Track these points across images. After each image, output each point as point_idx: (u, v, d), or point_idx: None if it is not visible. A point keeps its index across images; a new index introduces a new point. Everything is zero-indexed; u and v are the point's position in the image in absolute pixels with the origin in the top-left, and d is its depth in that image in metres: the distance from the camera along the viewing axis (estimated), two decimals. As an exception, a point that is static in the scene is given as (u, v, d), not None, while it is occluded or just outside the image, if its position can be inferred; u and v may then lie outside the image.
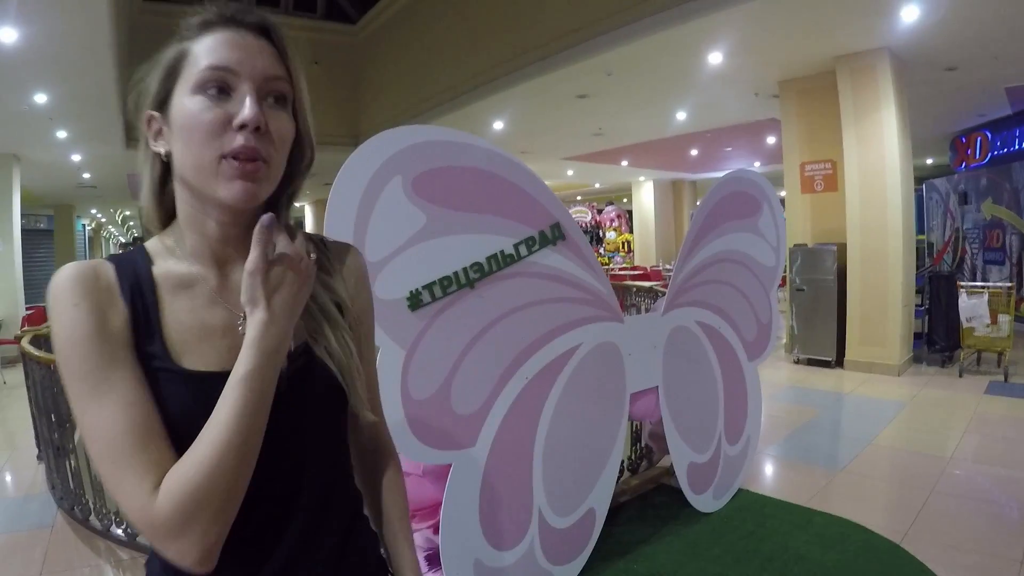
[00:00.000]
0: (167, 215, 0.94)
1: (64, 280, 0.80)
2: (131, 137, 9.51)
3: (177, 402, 0.82)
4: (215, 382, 0.81)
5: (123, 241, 31.03)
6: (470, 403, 2.41)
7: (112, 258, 0.88)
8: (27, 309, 10.86)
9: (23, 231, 11.10)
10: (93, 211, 22.31)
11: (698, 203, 17.92)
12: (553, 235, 2.60)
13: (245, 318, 0.84)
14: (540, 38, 7.74)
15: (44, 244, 18.80)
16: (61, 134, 9.18)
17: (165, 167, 0.89)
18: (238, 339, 0.85)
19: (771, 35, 6.57)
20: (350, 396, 0.95)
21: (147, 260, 0.89)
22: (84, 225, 23.79)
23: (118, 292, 0.84)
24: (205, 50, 0.84)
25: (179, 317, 0.87)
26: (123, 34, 7.17)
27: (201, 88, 0.82)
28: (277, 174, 0.88)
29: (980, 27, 6.22)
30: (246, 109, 0.81)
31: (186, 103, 0.83)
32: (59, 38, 5.81)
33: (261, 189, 0.85)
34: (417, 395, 2.26)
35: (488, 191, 2.46)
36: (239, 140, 0.81)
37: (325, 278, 0.97)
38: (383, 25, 12.12)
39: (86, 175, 13.08)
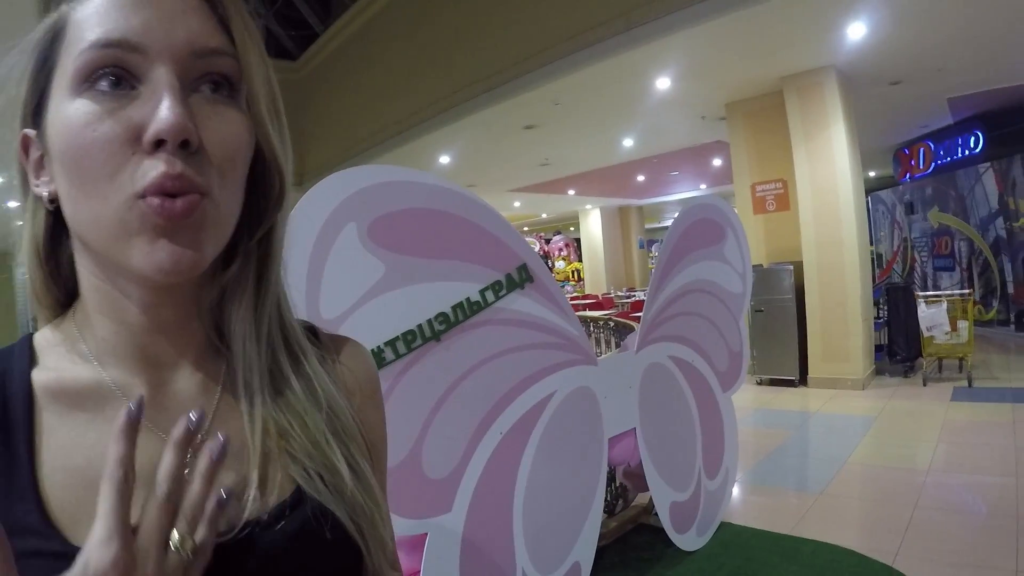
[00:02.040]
0: (65, 290, 0.61)
1: None
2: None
3: None
4: None
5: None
6: (443, 466, 2.23)
7: None
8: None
9: (-45, 286, 10.60)
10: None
11: (645, 227, 18.16)
12: (521, 278, 2.45)
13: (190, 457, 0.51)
14: (486, 69, 7.66)
15: (-22, 295, 18.08)
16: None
17: (56, 216, 0.57)
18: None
19: (718, 58, 6.60)
20: (369, 559, 0.61)
21: (28, 362, 0.57)
22: (24, 274, 22.97)
23: None
24: (90, 16, 0.51)
25: (72, 458, 0.53)
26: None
27: (86, 82, 0.50)
28: (228, 212, 0.55)
29: (924, 41, 6.34)
30: (163, 110, 0.49)
31: (66, 111, 0.51)
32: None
33: (203, 245, 0.52)
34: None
35: (450, 234, 2.30)
36: (157, 167, 0.49)
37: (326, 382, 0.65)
38: (325, 61, 11.96)
39: (20, 223, 12.60)
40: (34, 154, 0.55)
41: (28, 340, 0.59)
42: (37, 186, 0.56)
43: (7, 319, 18.01)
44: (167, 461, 0.45)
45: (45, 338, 0.59)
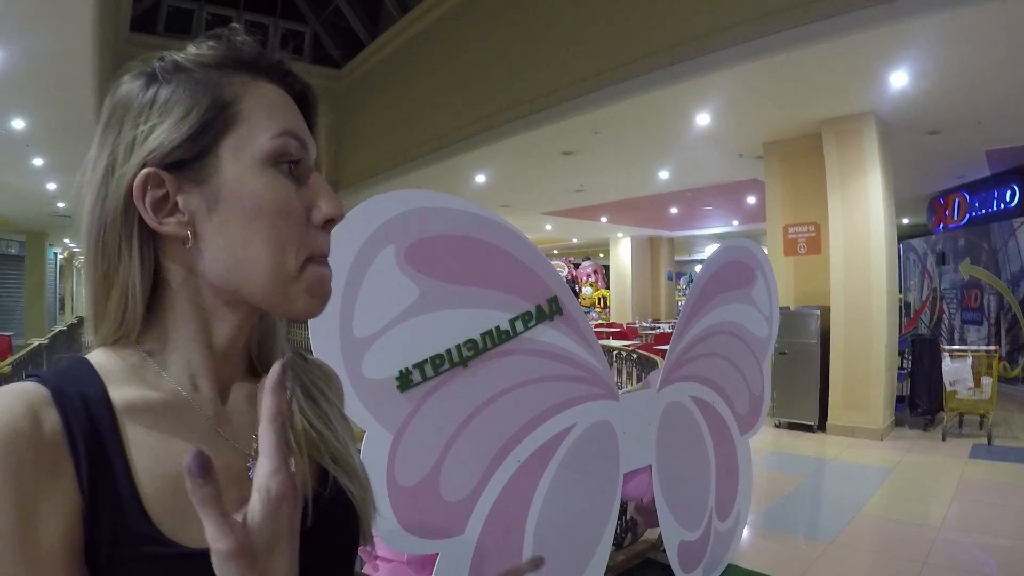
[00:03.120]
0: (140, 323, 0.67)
1: None
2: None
3: None
4: None
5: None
6: (460, 489, 2.27)
7: (49, 384, 0.58)
8: (-9, 337, 10.58)
9: (-6, 255, 10.86)
10: (66, 240, 21.92)
11: (675, 259, 18.13)
12: (551, 310, 2.49)
13: (254, 457, 0.64)
14: (529, 93, 7.74)
15: (14, 270, 18.44)
16: (37, 161, 9.03)
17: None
18: (247, 490, 0.56)
19: (759, 98, 6.63)
20: (367, 522, 0.75)
21: (100, 384, 0.61)
22: (56, 254, 23.39)
23: (66, 452, 0.55)
24: (263, 107, 0.63)
25: (165, 466, 0.59)
26: (106, 63, 7.10)
27: (276, 160, 0.63)
28: None
29: (965, 93, 6.32)
30: (331, 200, 0.65)
31: (255, 178, 0.62)
32: (40, 63, 5.72)
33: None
34: (404, 482, 2.11)
35: (484, 262, 2.35)
36: (327, 241, 0.66)
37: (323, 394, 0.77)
38: (369, 72, 12.13)
39: (61, 204, 12.85)
40: (157, 193, 0.61)
41: (86, 364, 0.63)
42: (165, 226, 0.61)
43: (38, 296, 18.36)
44: (268, 404, 0.51)
45: (106, 363, 0.63)
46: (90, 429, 0.57)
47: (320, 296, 0.65)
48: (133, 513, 0.56)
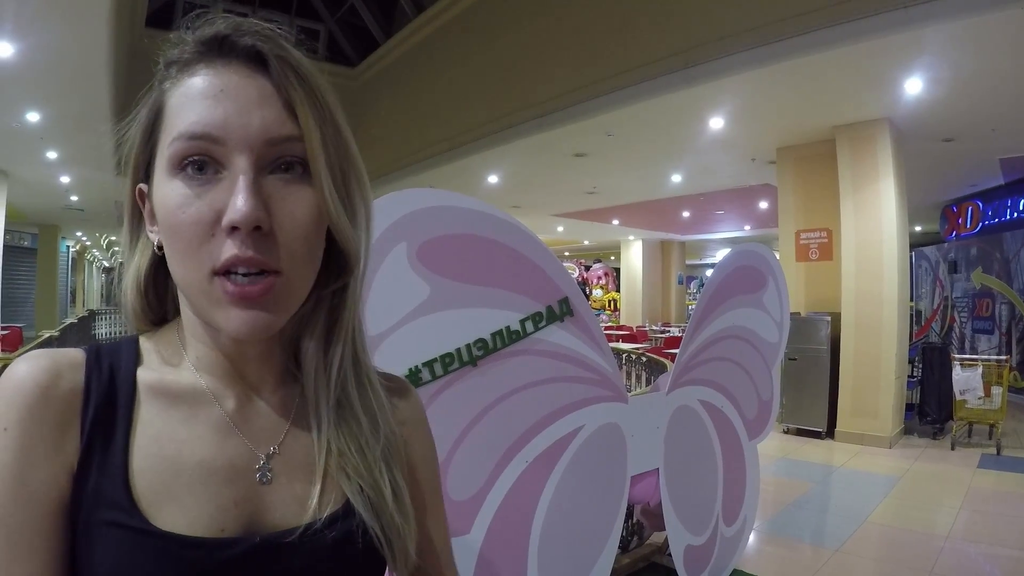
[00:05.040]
0: (163, 312, 0.71)
1: (8, 385, 0.57)
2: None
3: None
4: (199, 554, 0.57)
5: (106, 265, 30.67)
6: (467, 488, 2.27)
7: (91, 351, 0.63)
8: (2, 329, 10.63)
9: (6, 247, 10.93)
10: (79, 233, 22.05)
11: (686, 263, 18.06)
12: (561, 311, 2.48)
13: (267, 460, 0.64)
14: (543, 94, 7.75)
15: (27, 262, 18.53)
16: (51, 154, 9.07)
17: (161, 257, 0.64)
18: (251, 491, 0.63)
19: (773, 102, 6.61)
20: (393, 566, 0.69)
21: (134, 361, 0.65)
22: (69, 247, 23.52)
23: (77, 412, 0.59)
24: (181, 105, 0.60)
25: (163, 447, 0.61)
26: (122, 58, 7.13)
27: (177, 167, 0.58)
28: (300, 283, 0.62)
29: (981, 101, 6.28)
30: (238, 201, 0.56)
31: (164, 189, 0.59)
32: (55, 56, 5.74)
33: (275, 315, 0.60)
34: (412, 480, 2.12)
35: (496, 261, 2.35)
36: (230, 249, 0.57)
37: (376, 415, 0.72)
38: (383, 70, 12.16)
39: (74, 197, 12.92)
40: (148, 205, 0.64)
41: (135, 341, 0.68)
42: (152, 232, 0.64)
43: (50, 288, 18.46)
44: None
45: (150, 343, 0.68)
46: (107, 398, 0.61)
47: (235, 306, 0.58)
48: (115, 482, 0.58)
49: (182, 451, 0.61)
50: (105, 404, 0.60)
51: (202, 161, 0.58)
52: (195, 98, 0.59)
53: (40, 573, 0.55)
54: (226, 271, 0.57)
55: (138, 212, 0.67)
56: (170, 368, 0.66)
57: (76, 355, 0.62)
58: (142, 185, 0.65)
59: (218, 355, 0.66)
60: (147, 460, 0.60)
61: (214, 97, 0.58)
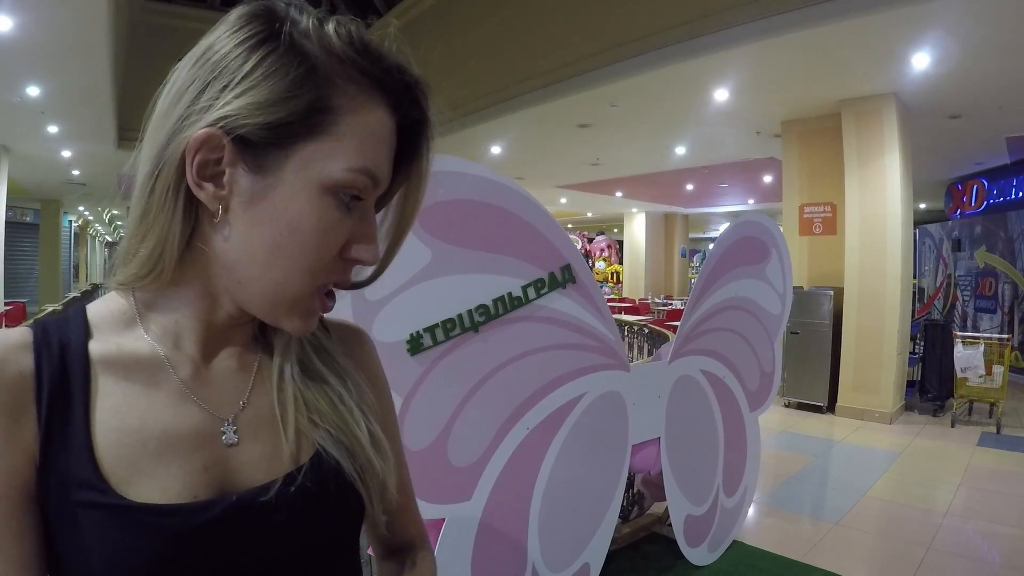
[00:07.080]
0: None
1: None
2: (124, 137, 9.36)
3: (113, 553, 0.55)
4: (176, 521, 0.57)
5: (109, 240, 30.66)
6: (468, 454, 2.27)
7: (36, 330, 0.61)
8: (6, 305, 10.64)
9: (8, 223, 10.89)
10: (81, 208, 22.01)
11: (690, 236, 17.99)
12: (564, 278, 2.47)
13: (231, 422, 0.64)
14: (547, 64, 7.65)
15: (29, 238, 18.53)
16: (52, 129, 9.02)
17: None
18: (218, 454, 0.62)
19: (778, 75, 6.53)
20: (370, 506, 0.70)
21: (84, 334, 0.62)
22: (71, 221, 23.51)
23: (31, 395, 0.57)
24: (361, 135, 0.60)
25: (124, 420, 0.59)
26: (121, 31, 7.08)
27: (337, 191, 0.60)
28: None
29: (988, 78, 6.20)
30: (371, 245, 0.63)
31: (312, 201, 0.59)
32: (55, 30, 5.67)
33: None
34: (413, 445, 2.12)
35: (498, 228, 2.33)
36: (343, 274, 0.64)
37: (339, 363, 0.74)
38: (383, 41, 12.03)
39: (75, 172, 12.88)
40: (209, 155, 0.58)
41: (82, 313, 0.65)
42: (203, 192, 0.59)
43: (53, 263, 18.48)
44: None
45: (100, 312, 0.65)
46: (60, 376, 0.59)
47: (310, 325, 0.65)
48: (81, 460, 0.56)
49: (145, 420, 0.60)
50: (59, 383, 0.58)
51: (359, 196, 0.62)
52: (375, 134, 0.62)
53: (15, 572, 0.54)
54: (334, 288, 0.65)
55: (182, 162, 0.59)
56: (123, 337, 0.63)
57: (22, 335, 0.60)
58: (217, 131, 0.57)
59: (203, 326, 0.66)
60: (111, 434, 0.58)
61: (386, 142, 0.63)
